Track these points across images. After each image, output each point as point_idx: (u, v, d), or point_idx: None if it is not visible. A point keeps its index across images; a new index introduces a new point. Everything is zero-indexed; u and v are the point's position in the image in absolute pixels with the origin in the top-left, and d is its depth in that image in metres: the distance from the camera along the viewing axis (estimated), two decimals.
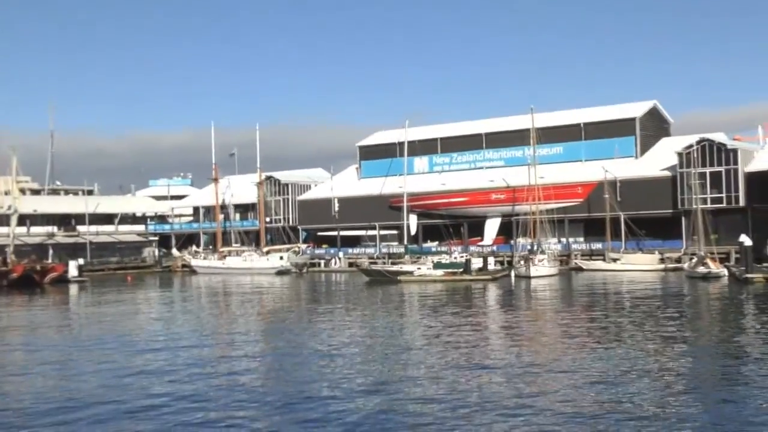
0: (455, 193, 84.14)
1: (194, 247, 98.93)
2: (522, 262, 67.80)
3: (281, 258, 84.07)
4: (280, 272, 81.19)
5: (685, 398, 19.79)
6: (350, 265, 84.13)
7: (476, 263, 68.90)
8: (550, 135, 79.23)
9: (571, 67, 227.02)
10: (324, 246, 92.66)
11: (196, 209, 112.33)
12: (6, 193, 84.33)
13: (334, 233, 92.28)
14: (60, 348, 31.78)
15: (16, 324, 43.64)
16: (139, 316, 46.13)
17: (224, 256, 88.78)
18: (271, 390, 22.11)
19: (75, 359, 28.66)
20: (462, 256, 70.14)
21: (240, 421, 18.67)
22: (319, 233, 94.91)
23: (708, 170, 70.35)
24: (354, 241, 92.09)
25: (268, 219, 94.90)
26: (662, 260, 69.22)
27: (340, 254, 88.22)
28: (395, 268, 69.71)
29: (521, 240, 74.57)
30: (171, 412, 19.65)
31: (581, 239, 78.46)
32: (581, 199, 77.09)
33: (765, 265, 54.19)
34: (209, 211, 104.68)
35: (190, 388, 22.52)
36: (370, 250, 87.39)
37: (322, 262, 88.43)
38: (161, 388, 22.70)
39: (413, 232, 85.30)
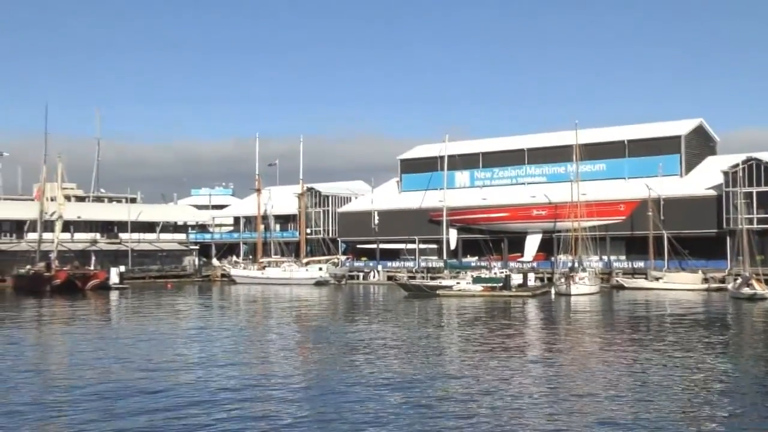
0: (496, 209, 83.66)
1: (234, 257, 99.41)
2: (562, 279, 67.08)
3: (320, 269, 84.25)
4: (319, 283, 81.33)
5: (721, 419, 19.35)
6: (389, 278, 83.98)
7: (516, 279, 68.27)
8: (593, 152, 78.52)
9: (616, 83, 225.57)
10: (363, 258, 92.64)
11: (236, 219, 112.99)
12: (51, 200, 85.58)
13: (374, 246, 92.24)
14: (100, 351, 32.07)
15: (60, 329, 44.15)
16: (179, 325, 46.32)
17: (264, 267, 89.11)
18: (302, 398, 22.07)
19: (113, 366, 28.86)
20: (502, 272, 69.59)
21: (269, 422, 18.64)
22: (359, 245, 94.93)
23: (755, 190, 69.16)
24: (393, 255, 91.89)
25: (308, 230, 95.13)
26: (706, 280, 68.09)
27: (379, 267, 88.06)
28: (434, 282, 69.37)
29: (562, 257, 73.83)
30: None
31: (623, 257, 77.48)
32: (624, 217, 76.24)
33: None
34: (250, 221, 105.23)
35: (223, 389, 22.58)
36: (409, 264, 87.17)
37: (361, 274, 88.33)
38: (194, 394, 22.78)
39: (453, 246, 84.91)
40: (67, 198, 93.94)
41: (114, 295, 70.30)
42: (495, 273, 69.00)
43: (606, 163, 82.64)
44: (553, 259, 77.16)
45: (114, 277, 79.79)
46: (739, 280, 60.36)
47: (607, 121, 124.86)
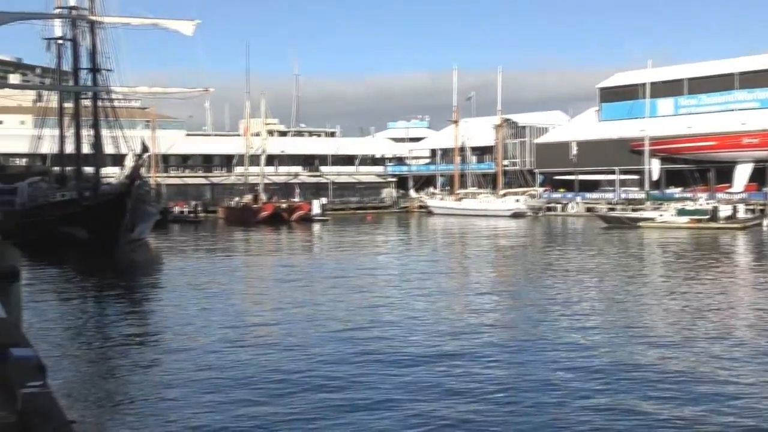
0: (702, 137, 79.45)
1: (431, 189, 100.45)
2: None
3: (517, 201, 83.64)
4: (516, 215, 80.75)
5: None
6: (588, 210, 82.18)
7: (724, 211, 65.01)
8: None
9: None
10: (561, 190, 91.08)
11: (433, 151, 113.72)
12: (256, 135, 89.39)
13: (572, 177, 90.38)
14: (307, 276, 33.49)
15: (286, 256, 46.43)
16: (380, 252, 47.52)
17: (461, 198, 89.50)
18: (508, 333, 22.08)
19: (319, 290, 29.97)
20: (708, 203, 66.43)
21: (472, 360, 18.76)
22: (556, 177, 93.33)
23: None
24: (592, 186, 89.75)
25: (505, 162, 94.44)
26: None
27: (578, 199, 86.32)
28: (635, 214, 67.32)
29: None
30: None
31: None
32: None
33: None
34: (446, 153, 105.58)
35: (417, 316, 22.95)
36: (609, 195, 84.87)
37: (559, 206, 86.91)
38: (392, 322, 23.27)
39: (655, 177, 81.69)
40: (270, 133, 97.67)
41: (317, 227, 72.85)
42: (701, 204, 65.99)
43: None
44: (766, 189, 72.65)
45: (316, 209, 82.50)
46: None
47: None
